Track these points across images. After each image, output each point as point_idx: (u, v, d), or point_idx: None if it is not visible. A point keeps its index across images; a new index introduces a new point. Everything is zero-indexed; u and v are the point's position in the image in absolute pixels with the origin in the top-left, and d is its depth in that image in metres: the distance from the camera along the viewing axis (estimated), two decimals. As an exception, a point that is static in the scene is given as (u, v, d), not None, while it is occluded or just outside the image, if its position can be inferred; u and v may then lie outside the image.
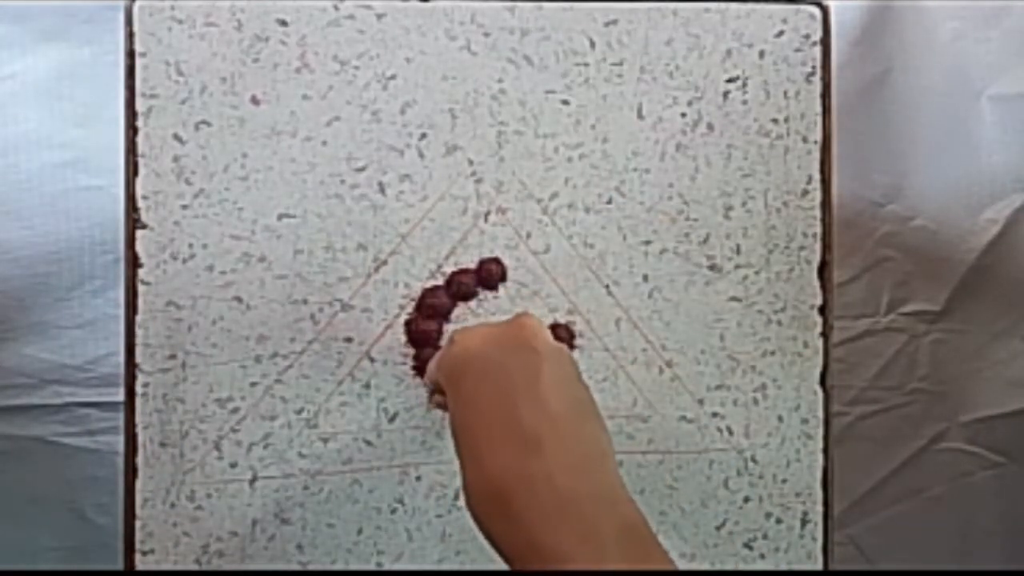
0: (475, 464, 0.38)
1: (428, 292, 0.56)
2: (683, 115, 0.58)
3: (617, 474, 0.37)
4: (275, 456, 0.55)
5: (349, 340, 0.56)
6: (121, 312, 0.54)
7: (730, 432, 0.59)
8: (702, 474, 0.58)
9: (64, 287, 0.72)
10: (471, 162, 0.56)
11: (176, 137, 0.54)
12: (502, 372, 0.39)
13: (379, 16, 0.55)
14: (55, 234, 0.72)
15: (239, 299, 0.55)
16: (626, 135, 0.57)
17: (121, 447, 0.54)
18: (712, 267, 0.58)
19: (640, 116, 0.57)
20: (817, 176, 0.59)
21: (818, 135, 0.59)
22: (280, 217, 0.55)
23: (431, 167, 0.56)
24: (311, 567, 0.55)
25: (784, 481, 0.59)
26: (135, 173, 0.54)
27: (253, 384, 0.55)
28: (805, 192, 0.59)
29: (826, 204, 0.59)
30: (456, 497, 0.56)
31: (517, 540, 0.35)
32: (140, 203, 0.54)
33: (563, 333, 0.57)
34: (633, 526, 0.36)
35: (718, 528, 0.59)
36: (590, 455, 0.37)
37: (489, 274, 0.56)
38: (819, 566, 0.59)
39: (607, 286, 0.58)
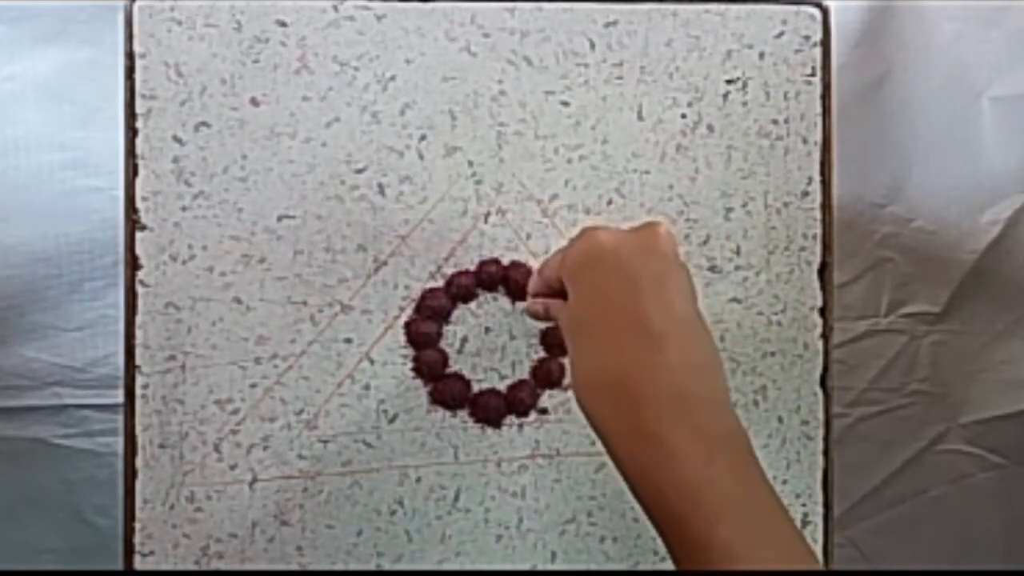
0: (595, 352, 0.40)
1: (428, 293, 0.56)
2: (683, 116, 0.58)
3: (727, 384, 0.40)
4: (275, 458, 0.55)
5: (349, 341, 0.56)
6: (121, 314, 0.54)
7: (730, 433, 0.59)
8: (702, 476, 0.58)
9: (64, 289, 0.72)
10: (471, 163, 0.56)
11: (176, 138, 0.54)
12: (632, 271, 0.40)
13: (379, 17, 0.55)
14: (55, 235, 0.72)
15: (239, 300, 0.55)
16: (626, 136, 0.57)
17: (120, 449, 0.54)
18: (712, 268, 0.58)
19: (640, 117, 0.57)
20: (817, 177, 0.59)
21: (818, 136, 0.59)
22: (280, 218, 0.55)
23: (431, 168, 0.56)
24: (311, 569, 0.55)
25: (784, 482, 0.59)
26: (135, 174, 0.54)
27: (253, 385, 0.55)
28: (805, 193, 0.59)
29: (826, 205, 0.59)
30: (456, 499, 0.56)
31: (628, 425, 0.37)
32: (139, 204, 0.54)
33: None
34: (737, 434, 0.38)
35: (718, 530, 0.58)
36: (707, 361, 0.39)
37: (489, 275, 0.56)
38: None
39: (607, 287, 0.57)
